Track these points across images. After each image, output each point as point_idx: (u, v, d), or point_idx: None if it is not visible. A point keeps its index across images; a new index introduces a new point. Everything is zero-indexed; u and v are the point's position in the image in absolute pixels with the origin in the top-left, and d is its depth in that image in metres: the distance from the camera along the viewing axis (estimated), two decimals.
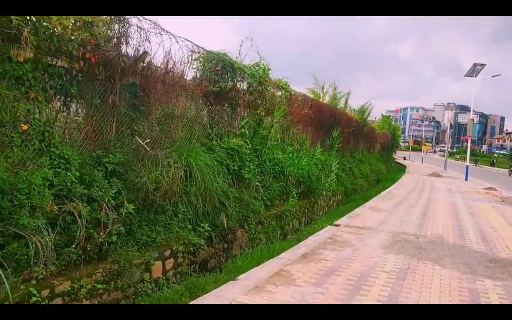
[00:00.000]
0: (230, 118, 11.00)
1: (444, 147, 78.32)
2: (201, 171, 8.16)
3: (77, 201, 5.55)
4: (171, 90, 7.98)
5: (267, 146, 11.90)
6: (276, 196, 11.89)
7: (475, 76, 35.14)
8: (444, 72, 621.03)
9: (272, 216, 11.16)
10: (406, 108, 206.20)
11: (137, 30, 6.99)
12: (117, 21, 6.71)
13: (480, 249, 8.90)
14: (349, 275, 6.47)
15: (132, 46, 7.02)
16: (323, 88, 21.82)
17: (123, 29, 6.81)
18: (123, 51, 6.75)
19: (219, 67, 9.55)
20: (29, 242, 4.78)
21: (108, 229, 5.88)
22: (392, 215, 12.74)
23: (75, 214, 5.43)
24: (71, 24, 5.56)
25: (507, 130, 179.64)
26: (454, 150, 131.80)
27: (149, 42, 7.18)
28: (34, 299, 4.68)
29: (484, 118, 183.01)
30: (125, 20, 6.76)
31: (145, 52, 6.91)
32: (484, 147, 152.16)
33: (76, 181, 5.72)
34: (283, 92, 13.70)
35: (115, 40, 6.75)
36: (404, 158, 70.49)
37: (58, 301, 5.04)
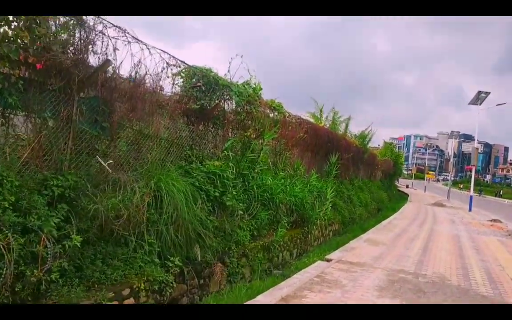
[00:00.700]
0: (215, 139, 10.14)
1: (448, 175, 77.22)
2: (173, 197, 7.25)
3: (7, 232, 4.64)
4: (142, 106, 7.10)
5: (255, 170, 11.01)
6: (264, 225, 10.94)
7: (480, 104, 34.32)
8: (447, 101, 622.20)
9: (258, 248, 10.19)
10: (410, 136, 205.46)
11: (101, 37, 6.19)
12: (77, 25, 5.90)
13: (487, 293, 7.90)
14: None
15: (94, 54, 6.21)
16: (321, 111, 21.00)
17: (83, 35, 5.99)
18: (82, 58, 5.89)
19: (200, 83, 8.72)
20: None
21: (47, 266, 4.95)
22: (390, 249, 11.75)
23: (1, 247, 4.51)
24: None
25: (511, 160, 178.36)
26: (458, 179, 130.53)
27: (115, 51, 6.37)
28: None
29: (488, 148, 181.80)
30: (86, 24, 5.95)
31: (107, 61, 6.08)
32: (488, 177, 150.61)
33: (10, 207, 4.82)
34: (275, 113, 12.86)
35: (74, 46, 5.93)
36: (407, 186, 69.54)
37: None
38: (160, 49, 7.47)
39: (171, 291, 6.99)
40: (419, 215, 24.66)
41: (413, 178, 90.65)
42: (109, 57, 6.16)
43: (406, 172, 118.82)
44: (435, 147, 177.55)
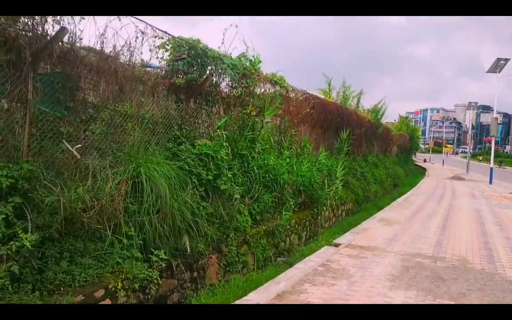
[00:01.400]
0: (209, 118, 9.29)
1: (466, 148, 75.36)
2: (155, 184, 6.45)
3: None
4: (114, 81, 6.27)
5: (255, 150, 10.15)
6: (268, 209, 10.12)
7: (499, 72, 32.75)
8: (465, 72, 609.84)
9: (261, 233, 9.39)
10: (426, 110, 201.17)
11: None
12: None
13: None
14: None
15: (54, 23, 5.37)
16: (329, 84, 19.90)
17: None
18: (31, 27, 5.06)
19: (185, 54, 7.83)
20: None
21: None
22: (405, 229, 10.84)
23: None
24: None
25: None
26: (477, 151, 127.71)
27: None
28: None
29: (507, 118, 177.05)
30: None
31: (62, 29, 5.23)
32: (508, 148, 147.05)
33: None
34: (277, 88, 11.93)
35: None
36: (425, 161, 67.95)
37: None
38: (135, 17, 6.58)
39: (156, 288, 6.25)
40: (437, 190, 23.58)
41: (430, 152, 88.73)
42: (67, 26, 5.30)
43: (423, 146, 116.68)
44: (452, 119, 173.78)
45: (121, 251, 5.89)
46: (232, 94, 9.79)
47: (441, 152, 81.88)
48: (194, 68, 8.18)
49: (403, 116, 45.04)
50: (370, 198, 19.03)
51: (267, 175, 10.16)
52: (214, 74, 8.99)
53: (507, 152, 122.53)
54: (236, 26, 9.05)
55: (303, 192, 12.30)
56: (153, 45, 7.49)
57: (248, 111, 10.46)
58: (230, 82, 9.65)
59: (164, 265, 6.43)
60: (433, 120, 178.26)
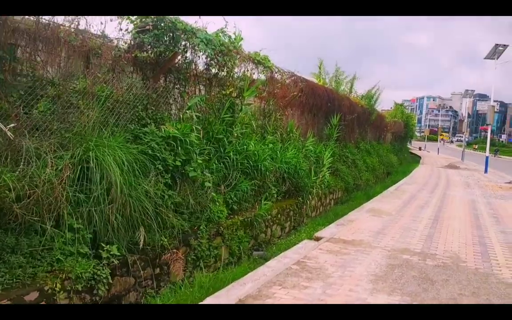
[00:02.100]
0: (182, 98, 8.48)
1: (462, 136, 74.76)
2: (108, 170, 5.68)
3: None
4: (56, 51, 5.45)
5: (234, 134, 9.37)
6: (247, 197, 9.39)
7: (497, 59, 31.94)
8: (462, 61, 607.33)
9: (238, 225, 8.65)
10: (423, 97, 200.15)
11: None
12: None
13: None
14: None
15: None
16: (320, 67, 19.04)
17: None
18: None
19: (149, 26, 7.00)
20: None
21: None
22: (395, 220, 10.12)
23: None
24: None
25: None
26: (472, 139, 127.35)
27: None
28: None
29: (503, 107, 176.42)
30: None
31: None
32: (503, 137, 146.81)
33: None
34: (261, 68, 11.12)
35: None
36: (420, 149, 67.51)
37: None
38: None
39: (107, 288, 5.51)
40: (431, 178, 22.92)
41: (426, 140, 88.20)
42: None
43: (419, 134, 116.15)
44: (448, 108, 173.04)
45: (64, 246, 5.13)
46: (208, 72, 8.99)
47: (436, 140, 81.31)
48: (162, 42, 7.35)
49: (398, 103, 44.04)
50: (361, 187, 18.30)
51: (246, 161, 9.41)
52: (186, 50, 8.19)
53: (502, 141, 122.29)
54: None
55: (287, 179, 11.57)
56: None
57: (227, 92, 9.69)
58: (207, 60, 8.85)
59: (117, 262, 5.69)
60: (429, 108, 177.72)
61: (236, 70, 10.11)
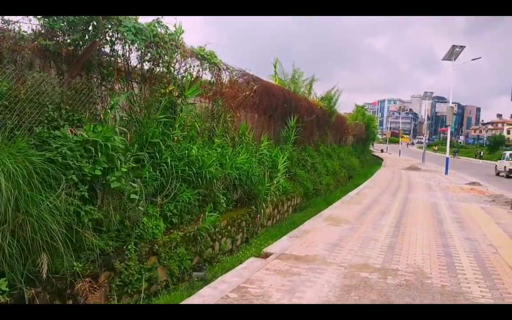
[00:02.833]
0: (110, 97, 7.34)
1: (422, 138, 75.84)
2: None
3: None
4: None
5: (174, 138, 8.30)
6: (190, 209, 8.35)
7: (454, 60, 32.07)
8: (420, 65, 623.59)
9: (177, 241, 7.57)
10: (384, 100, 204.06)
11: None
12: None
13: (484, 297, 5.47)
14: None
15: None
16: (275, 66, 18.14)
17: None
18: None
19: None
20: None
21: None
22: (354, 229, 9.28)
23: None
24: None
25: (483, 120, 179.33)
26: (432, 141, 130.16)
27: None
28: None
29: (460, 109, 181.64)
30: None
31: None
32: (461, 138, 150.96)
33: None
34: (207, 65, 10.08)
35: None
36: (382, 151, 68.26)
37: None
38: None
39: None
40: (393, 181, 22.45)
41: (387, 142, 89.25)
42: None
43: (380, 137, 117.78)
44: (408, 110, 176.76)
45: None
46: (142, 68, 7.90)
47: (398, 142, 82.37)
48: (77, 29, 6.22)
49: (359, 105, 43.85)
50: (321, 192, 17.49)
51: (188, 168, 8.36)
52: (114, 41, 7.08)
53: (460, 142, 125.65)
54: None
55: (239, 187, 10.58)
56: None
57: (167, 91, 8.62)
58: (140, 54, 7.77)
59: (8, 299, 4.53)
60: (390, 110, 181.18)
61: (177, 66, 9.08)
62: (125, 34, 6.81)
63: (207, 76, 10.48)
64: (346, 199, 14.61)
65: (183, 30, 8.90)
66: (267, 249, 7.39)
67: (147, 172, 7.27)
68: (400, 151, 67.74)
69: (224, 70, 10.92)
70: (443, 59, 32.70)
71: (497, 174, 33.79)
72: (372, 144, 66.04)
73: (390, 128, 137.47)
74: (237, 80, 12.13)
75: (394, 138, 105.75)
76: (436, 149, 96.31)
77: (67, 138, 5.88)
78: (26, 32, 5.87)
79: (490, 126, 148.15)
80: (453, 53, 31.56)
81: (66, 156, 5.71)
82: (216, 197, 9.42)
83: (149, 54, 7.71)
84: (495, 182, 26.17)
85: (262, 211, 11.30)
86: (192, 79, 9.05)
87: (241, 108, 12.70)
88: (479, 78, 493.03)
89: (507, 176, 31.02)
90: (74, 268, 5.42)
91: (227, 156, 10.28)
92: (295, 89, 19.28)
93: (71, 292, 5.43)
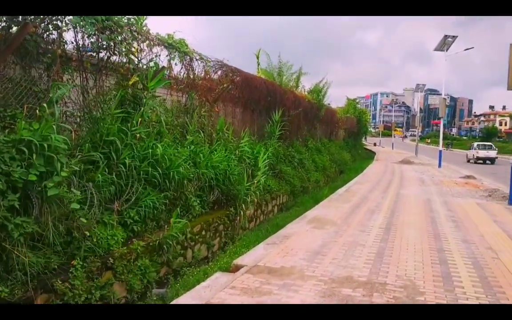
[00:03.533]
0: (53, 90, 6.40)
1: (415, 131, 75.24)
2: None
3: None
4: None
5: (137, 135, 7.40)
6: (156, 214, 7.48)
7: (446, 50, 31.28)
8: (412, 58, 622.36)
9: (138, 251, 6.67)
10: (376, 94, 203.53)
11: None
12: None
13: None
14: None
15: None
16: (258, 57, 17.18)
17: None
18: None
19: None
20: None
21: None
22: (340, 233, 8.42)
23: None
24: None
25: (475, 112, 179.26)
26: (425, 134, 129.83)
27: None
28: None
29: (453, 101, 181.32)
30: None
31: None
32: (454, 130, 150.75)
33: None
34: (176, 54, 9.16)
35: None
36: (375, 144, 67.72)
37: None
38: None
39: None
40: (385, 176, 21.64)
41: (380, 135, 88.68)
42: None
43: (373, 130, 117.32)
44: (401, 103, 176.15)
45: None
46: (96, 57, 6.99)
47: (390, 135, 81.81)
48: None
49: (351, 98, 42.92)
50: (309, 189, 16.61)
51: (153, 169, 7.46)
52: (59, 27, 6.16)
53: (453, 135, 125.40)
54: None
55: (216, 187, 9.71)
56: None
57: (129, 83, 7.72)
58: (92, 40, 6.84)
59: None
60: (383, 104, 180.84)
61: (142, 56, 8.19)
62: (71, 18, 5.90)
63: (178, 67, 9.61)
64: (333, 197, 13.75)
65: (145, 17, 8.00)
66: (238, 260, 6.51)
67: (99, 175, 6.37)
68: (393, 144, 67.11)
69: (197, 60, 9.99)
70: (435, 50, 31.87)
71: (468, 161, 40.89)
72: (365, 138, 65.40)
73: (383, 121, 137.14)
74: (213, 72, 11.21)
75: (387, 131, 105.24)
76: (429, 141, 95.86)
77: None
78: None
79: (482, 118, 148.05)
80: (445, 44, 30.76)
81: None
82: (188, 200, 8.56)
83: (103, 42, 6.78)
84: (487, 173, 25.39)
85: (242, 213, 10.41)
86: (157, 69, 8.12)
87: (220, 102, 11.81)
88: (471, 70, 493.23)
89: (475, 162, 39.05)
90: (2, 293, 4.54)
91: (201, 154, 9.41)
92: (281, 81, 18.36)
93: None
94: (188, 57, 9.51)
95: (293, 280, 5.54)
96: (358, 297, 5.06)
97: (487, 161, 39.04)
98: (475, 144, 43.39)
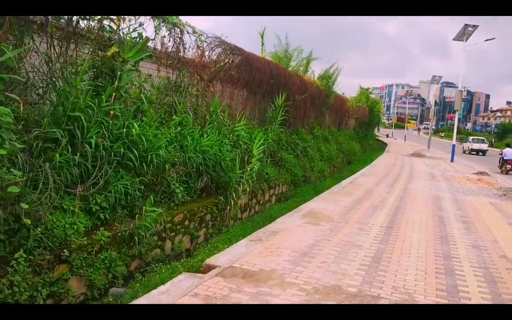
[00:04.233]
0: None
1: (429, 124, 73.69)
2: None
3: None
4: None
5: (105, 112, 6.58)
6: (129, 202, 6.72)
7: (466, 40, 29.97)
8: (431, 50, 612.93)
9: (103, 242, 5.90)
10: (392, 85, 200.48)
11: None
12: None
13: None
14: None
15: None
16: (262, 36, 16.21)
17: None
18: None
19: None
20: None
21: None
22: (335, 231, 7.58)
23: None
24: None
25: (491, 108, 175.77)
26: (439, 127, 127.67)
27: None
28: None
29: (469, 95, 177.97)
30: None
31: None
32: (469, 125, 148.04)
33: None
34: (163, 25, 8.31)
35: None
36: (387, 136, 66.48)
37: None
38: None
39: None
40: (394, 168, 20.68)
41: (393, 127, 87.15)
42: None
43: (386, 121, 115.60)
44: (416, 95, 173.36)
45: None
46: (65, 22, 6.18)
47: (404, 127, 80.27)
48: None
49: (364, 87, 41.58)
50: (312, 179, 15.72)
51: (124, 151, 6.67)
52: None
53: (467, 129, 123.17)
54: None
55: (205, 174, 8.91)
56: None
57: (108, 54, 6.94)
58: None
59: None
60: (397, 95, 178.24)
61: (124, 25, 7.40)
62: None
63: (168, 41, 8.78)
64: (335, 189, 12.88)
65: None
66: (212, 259, 5.71)
67: (57, 155, 5.58)
68: (405, 136, 65.82)
69: (189, 33, 9.13)
70: (454, 39, 30.55)
71: (464, 152, 45.68)
72: (378, 129, 64.09)
73: (397, 113, 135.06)
74: (211, 49, 10.34)
75: (400, 123, 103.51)
76: (442, 135, 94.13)
77: None
78: None
79: (498, 114, 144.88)
80: (464, 33, 29.44)
81: None
82: (169, 186, 7.78)
83: None
84: (476, 161, 24.26)
85: (233, 202, 9.60)
86: (138, 39, 7.30)
87: (217, 82, 10.96)
88: (489, 65, 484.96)
89: (469, 153, 44.61)
90: None
91: (189, 137, 8.61)
92: (286, 63, 17.40)
93: None
94: (178, 29, 8.64)
95: (270, 288, 4.73)
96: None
97: (480, 153, 44.80)
98: (470, 138, 51.47)
